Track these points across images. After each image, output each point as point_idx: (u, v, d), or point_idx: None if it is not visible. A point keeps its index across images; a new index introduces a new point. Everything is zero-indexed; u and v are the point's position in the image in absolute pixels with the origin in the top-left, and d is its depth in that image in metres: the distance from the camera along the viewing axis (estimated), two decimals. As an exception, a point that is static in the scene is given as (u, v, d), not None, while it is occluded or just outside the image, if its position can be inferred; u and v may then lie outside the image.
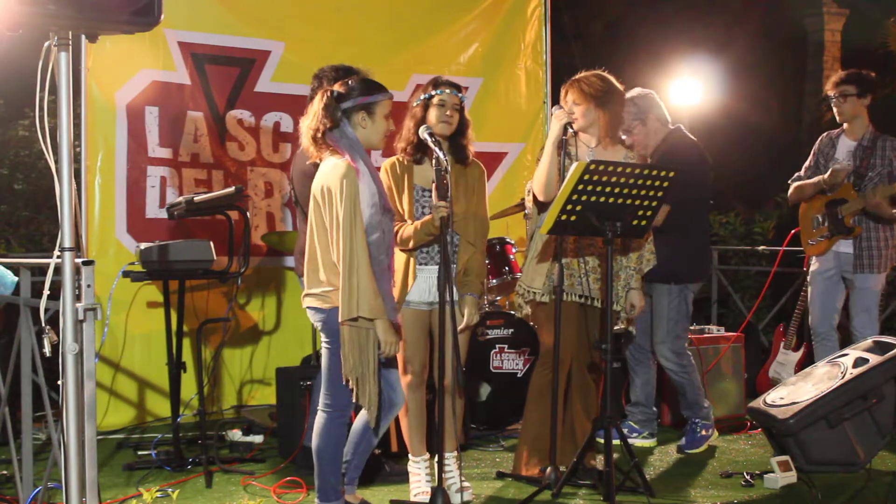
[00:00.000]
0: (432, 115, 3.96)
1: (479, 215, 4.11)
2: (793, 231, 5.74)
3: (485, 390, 5.35)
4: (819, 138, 5.36)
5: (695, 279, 5.07)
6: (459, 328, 3.98)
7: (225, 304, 5.66)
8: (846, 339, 5.26)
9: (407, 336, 3.99)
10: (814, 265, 5.31)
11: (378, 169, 3.87)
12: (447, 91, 3.97)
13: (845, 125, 5.20)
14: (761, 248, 7.92)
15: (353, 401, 3.55)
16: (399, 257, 3.98)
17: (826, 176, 5.13)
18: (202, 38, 5.80)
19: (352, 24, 6.18)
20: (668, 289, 4.96)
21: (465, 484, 4.09)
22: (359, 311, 3.40)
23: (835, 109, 5.19)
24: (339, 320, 3.44)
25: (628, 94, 4.79)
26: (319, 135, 3.54)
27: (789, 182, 5.43)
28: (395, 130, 3.87)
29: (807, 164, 5.36)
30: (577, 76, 4.33)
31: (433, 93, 3.98)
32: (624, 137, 4.55)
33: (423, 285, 4.01)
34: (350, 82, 3.59)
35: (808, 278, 5.39)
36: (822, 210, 5.21)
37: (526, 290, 4.35)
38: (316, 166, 3.70)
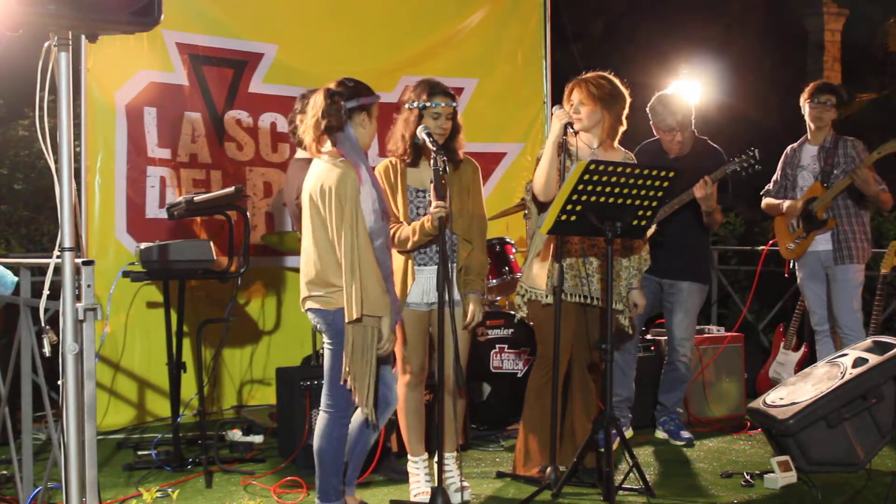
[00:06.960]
0: (427, 125, 3.94)
1: (476, 213, 4.10)
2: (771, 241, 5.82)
3: (485, 390, 5.35)
4: (784, 152, 5.46)
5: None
6: (463, 326, 4.01)
7: (225, 305, 5.66)
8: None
9: (406, 337, 3.99)
10: (800, 272, 5.38)
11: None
12: (442, 104, 3.94)
13: (809, 134, 5.32)
14: (761, 248, 7.91)
15: (352, 401, 3.55)
16: (397, 259, 3.97)
17: (786, 206, 5.29)
18: (199, 40, 5.79)
19: (344, 26, 6.17)
20: (699, 287, 5.19)
21: (465, 484, 4.09)
22: (366, 309, 3.40)
23: (814, 113, 5.24)
24: (346, 320, 3.43)
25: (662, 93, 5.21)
26: (322, 132, 3.53)
27: (760, 194, 5.55)
28: (382, 132, 3.87)
29: (775, 177, 5.49)
30: (583, 76, 4.31)
31: (428, 104, 3.94)
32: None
33: (422, 286, 4.01)
34: (347, 82, 3.60)
35: (799, 284, 5.44)
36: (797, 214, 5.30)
37: (527, 290, 4.34)
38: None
